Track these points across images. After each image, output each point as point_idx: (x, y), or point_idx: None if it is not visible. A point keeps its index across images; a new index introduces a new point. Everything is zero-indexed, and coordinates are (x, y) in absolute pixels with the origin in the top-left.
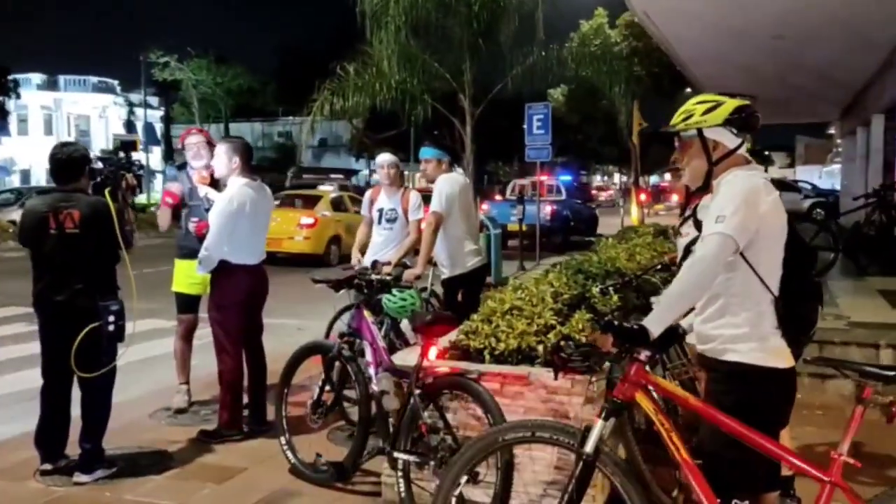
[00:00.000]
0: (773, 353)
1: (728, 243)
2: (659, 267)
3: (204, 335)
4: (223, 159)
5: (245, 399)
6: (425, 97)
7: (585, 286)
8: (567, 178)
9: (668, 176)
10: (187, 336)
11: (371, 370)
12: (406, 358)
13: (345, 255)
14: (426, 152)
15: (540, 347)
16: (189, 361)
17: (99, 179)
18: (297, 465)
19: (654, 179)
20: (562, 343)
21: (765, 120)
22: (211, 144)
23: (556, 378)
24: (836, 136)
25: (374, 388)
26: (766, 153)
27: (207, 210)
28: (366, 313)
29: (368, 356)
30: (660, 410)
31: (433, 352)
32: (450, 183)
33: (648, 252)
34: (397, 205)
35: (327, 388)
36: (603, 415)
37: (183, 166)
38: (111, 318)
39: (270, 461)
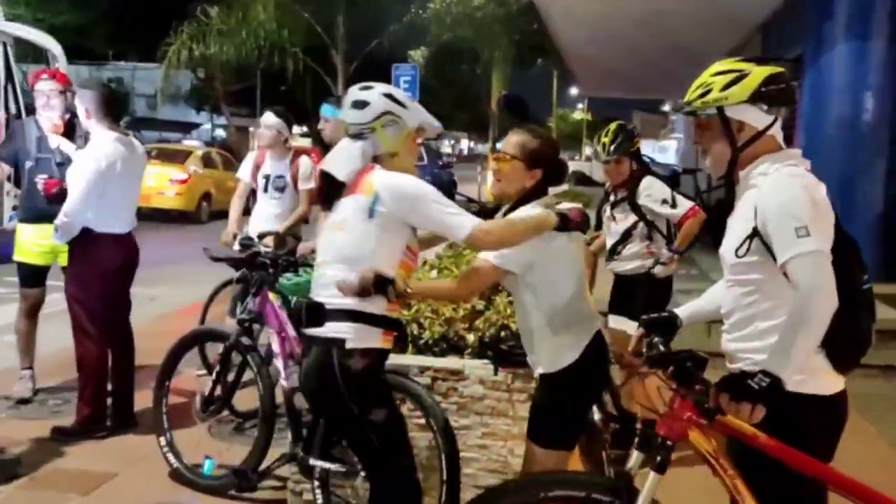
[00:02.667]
0: (816, 376)
1: (826, 260)
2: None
3: (50, 303)
4: (80, 110)
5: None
6: (296, 50)
7: None
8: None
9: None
10: (32, 314)
11: (279, 362)
12: None
13: (215, 211)
14: (327, 111)
15: (470, 336)
16: (34, 343)
17: None
18: (182, 469)
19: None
20: (502, 334)
21: (618, 93)
22: (67, 91)
23: (496, 373)
24: (671, 112)
25: (284, 383)
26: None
27: (60, 165)
28: (271, 296)
29: (276, 346)
30: (721, 453)
31: None
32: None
33: None
34: (286, 172)
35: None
36: (656, 466)
37: (32, 111)
38: None
39: (144, 464)
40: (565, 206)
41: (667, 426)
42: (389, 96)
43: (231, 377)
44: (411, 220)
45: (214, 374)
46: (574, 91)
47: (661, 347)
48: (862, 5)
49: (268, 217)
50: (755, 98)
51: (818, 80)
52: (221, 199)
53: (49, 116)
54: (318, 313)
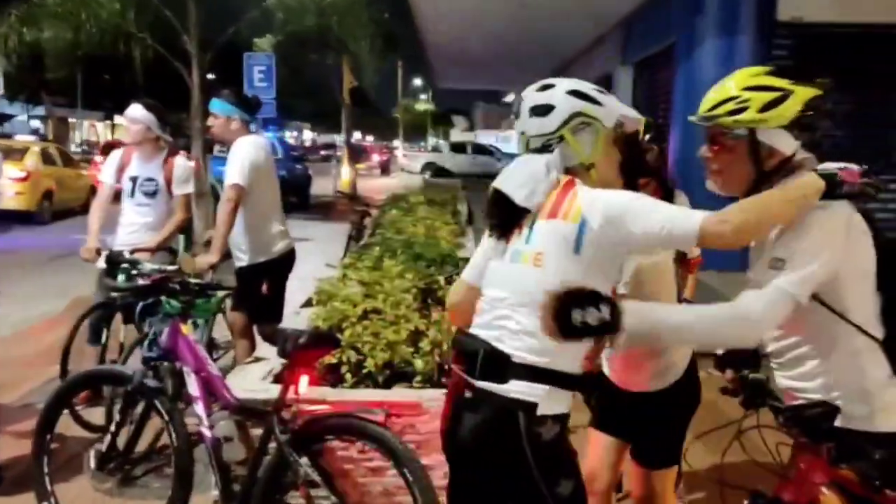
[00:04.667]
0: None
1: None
2: None
3: None
4: None
5: None
6: (144, 35)
7: (431, 276)
8: (276, 134)
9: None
10: None
11: (200, 408)
12: (246, 387)
13: (57, 210)
14: (216, 105)
15: (418, 362)
16: None
17: None
18: None
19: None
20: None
21: (471, 84)
22: None
23: None
24: (515, 104)
25: (208, 433)
26: (451, 117)
27: None
28: (184, 328)
29: (193, 389)
30: None
31: (304, 383)
32: (254, 148)
33: (445, 227)
34: (157, 174)
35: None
36: None
37: None
38: None
39: None
40: (830, 165)
41: (793, 490)
42: (577, 93)
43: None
44: (631, 243)
45: (113, 425)
46: (418, 82)
47: (762, 385)
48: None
49: (136, 227)
50: (793, 123)
51: (690, 75)
52: (65, 197)
53: None
54: (502, 366)
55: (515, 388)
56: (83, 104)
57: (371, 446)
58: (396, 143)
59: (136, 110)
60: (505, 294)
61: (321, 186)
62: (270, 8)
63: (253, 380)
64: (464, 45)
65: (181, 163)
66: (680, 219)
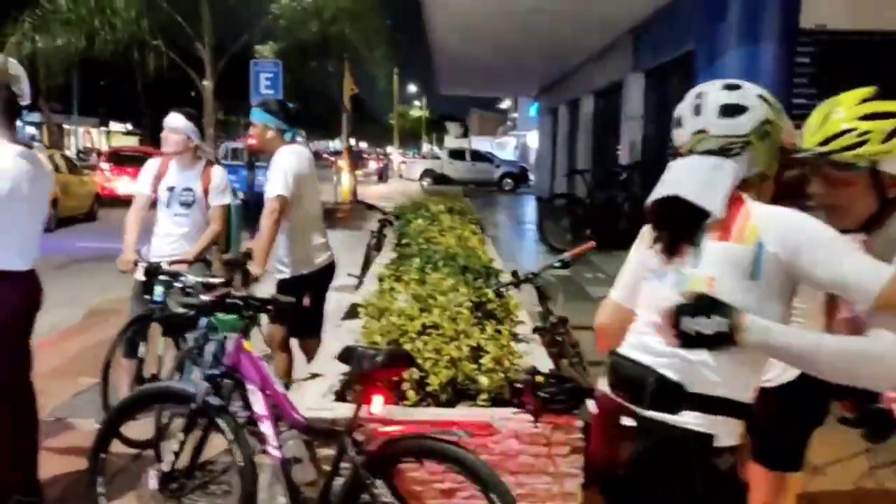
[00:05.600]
0: None
1: None
2: (558, 264)
3: None
4: None
5: None
6: (158, 42)
7: (480, 289)
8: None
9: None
10: None
11: (267, 427)
12: (307, 405)
13: (63, 217)
14: (254, 114)
15: (483, 379)
16: None
17: None
18: None
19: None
20: (537, 378)
21: (473, 91)
22: None
23: (536, 424)
24: (510, 110)
25: (276, 453)
26: (445, 124)
27: None
28: (246, 344)
29: (259, 407)
30: None
31: (378, 402)
32: (296, 158)
33: (473, 236)
34: (195, 184)
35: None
36: None
37: None
38: None
39: None
40: None
41: None
42: (765, 98)
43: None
44: (805, 279)
45: (177, 444)
46: (413, 88)
47: (887, 417)
48: (751, 7)
49: (173, 237)
50: None
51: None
52: (70, 204)
53: None
54: (675, 396)
55: (689, 419)
56: (80, 109)
57: (454, 469)
58: (390, 149)
59: (177, 120)
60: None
61: (325, 193)
62: (274, 15)
63: (314, 397)
64: (471, 52)
65: (219, 173)
66: (867, 274)
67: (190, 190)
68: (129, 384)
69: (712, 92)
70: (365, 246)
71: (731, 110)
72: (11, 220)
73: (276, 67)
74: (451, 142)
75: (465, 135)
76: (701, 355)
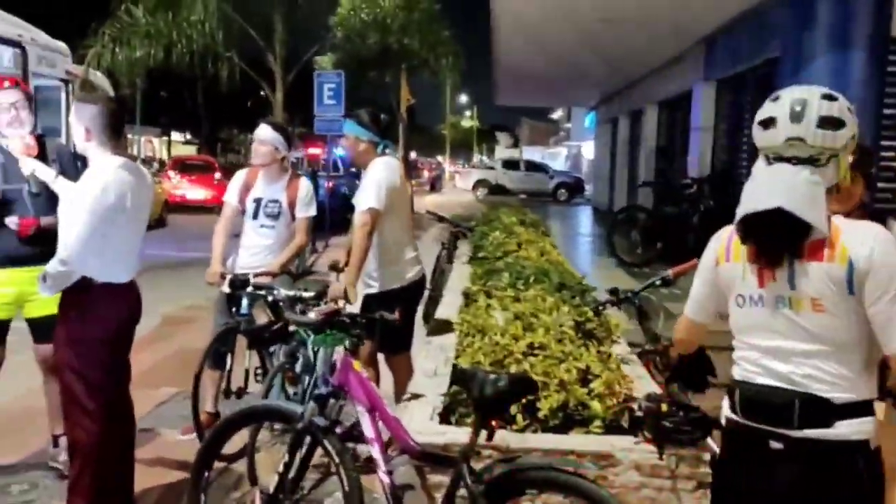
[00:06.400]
0: None
1: None
2: (659, 282)
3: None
4: (76, 127)
5: None
6: (232, 55)
7: (580, 307)
8: (341, 152)
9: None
10: None
11: (376, 451)
12: (414, 429)
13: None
14: (346, 126)
15: (595, 405)
16: None
17: None
18: None
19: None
20: (661, 406)
21: (530, 101)
22: (30, 99)
23: (661, 456)
24: (562, 120)
25: (386, 478)
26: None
27: (34, 196)
28: (355, 364)
29: (368, 430)
30: None
31: (497, 431)
32: (388, 170)
33: (553, 250)
34: (281, 195)
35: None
36: None
37: None
38: None
39: None
40: None
41: None
42: (851, 112)
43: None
44: (864, 298)
45: (282, 466)
46: (464, 98)
47: None
48: (841, 15)
49: (258, 249)
50: None
51: None
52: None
53: (18, 134)
54: (826, 410)
55: (844, 430)
56: (142, 119)
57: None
58: (439, 158)
59: (266, 131)
60: (789, 343)
61: None
62: (336, 28)
63: (422, 421)
64: (534, 63)
65: (305, 185)
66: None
67: (276, 202)
68: (214, 396)
69: (813, 101)
70: (434, 258)
71: (831, 122)
72: (115, 233)
73: (339, 78)
74: (502, 152)
75: (516, 145)
76: (843, 372)
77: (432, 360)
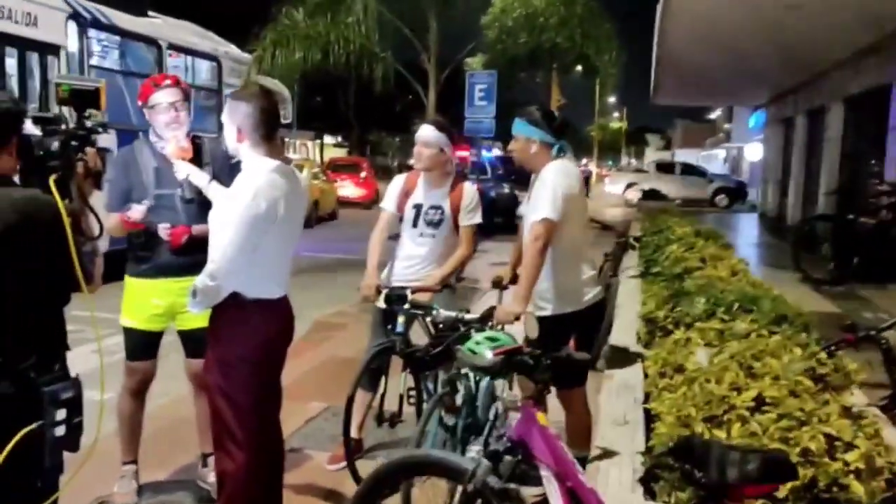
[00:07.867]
0: None
1: None
2: None
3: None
4: (228, 127)
5: None
6: (386, 56)
7: (809, 346)
8: (489, 154)
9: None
10: (139, 392)
11: None
12: (611, 497)
13: (319, 217)
14: (516, 126)
15: (856, 485)
16: (140, 429)
17: (38, 158)
18: None
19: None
20: None
21: (690, 100)
22: (188, 98)
23: None
24: (721, 120)
25: None
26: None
27: (187, 202)
28: (540, 417)
29: (556, 500)
30: None
31: None
32: (564, 176)
33: (745, 267)
34: (443, 201)
35: None
36: None
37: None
38: (59, 415)
39: None
40: None
41: None
42: None
43: None
44: None
45: None
46: (612, 99)
47: None
48: None
49: (415, 260)
50: None
51: None
52: (326, 208)
53: (175, 136)
54: None
55: None
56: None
57: None
58: (585, 161)
59: (429, 132)
60: None
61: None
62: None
63: (621, 492)
64: (701, 60)
65: (470, 189)
66: None
67: (438, 208)
68: (362, 418)
69: None
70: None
71: None
72: (267, 244)
73: (491, 78)
74: (652, 154)
75: (668, 146)
76: None
77: (618, 401)
